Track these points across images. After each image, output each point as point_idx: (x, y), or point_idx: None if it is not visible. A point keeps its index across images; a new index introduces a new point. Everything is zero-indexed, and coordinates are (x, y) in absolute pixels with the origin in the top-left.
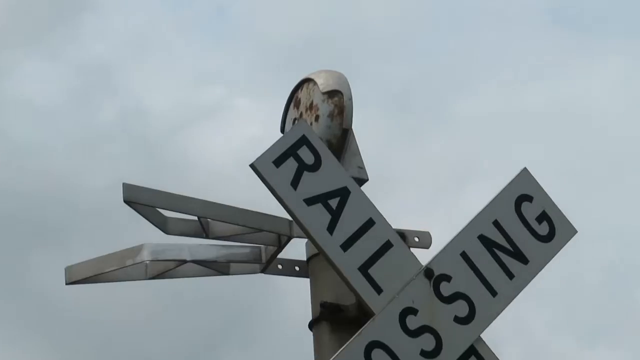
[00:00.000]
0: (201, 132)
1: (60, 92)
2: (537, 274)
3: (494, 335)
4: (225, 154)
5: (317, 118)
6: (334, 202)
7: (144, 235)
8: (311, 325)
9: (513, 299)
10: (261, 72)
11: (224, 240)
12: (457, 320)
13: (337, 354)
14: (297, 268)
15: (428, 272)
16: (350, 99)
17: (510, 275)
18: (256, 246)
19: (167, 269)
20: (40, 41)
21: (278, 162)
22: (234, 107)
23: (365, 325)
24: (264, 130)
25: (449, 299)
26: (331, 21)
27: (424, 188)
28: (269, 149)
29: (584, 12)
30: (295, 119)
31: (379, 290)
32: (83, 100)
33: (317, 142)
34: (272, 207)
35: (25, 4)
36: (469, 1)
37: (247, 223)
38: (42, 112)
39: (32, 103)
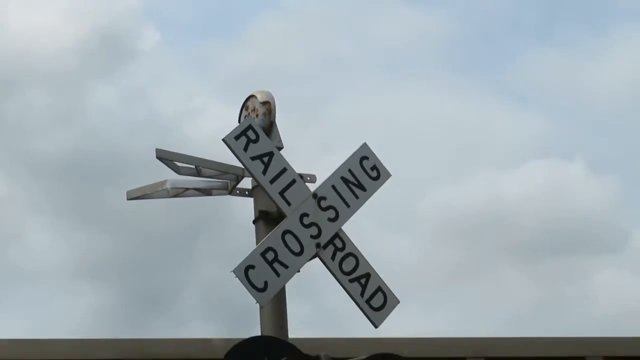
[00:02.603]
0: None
1: None
2: (369, 197)
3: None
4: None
5: (257, 115)
6: (265, 158)
7: (167, 174)
8: (254, 223)
9: (357, 209)
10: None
11: (209, 178)
12: (329, 219)
13: (266, 237)
14: (246, 192)
15: (314, 195)
16: (274, 106)
17: (356, 197)
18: (225, 181)
19: (178, 193)
20: None
21: (237, 137)
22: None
23: (281, 222)
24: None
25: (324, 209)
26: None
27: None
28: (232, 130)
29: None
30: (245, 116)
31: (289, 203)
32: None
33: (257, 128)
34: (234, 160)
35: None
36: None
37: (220, 169)
38: None
39: None
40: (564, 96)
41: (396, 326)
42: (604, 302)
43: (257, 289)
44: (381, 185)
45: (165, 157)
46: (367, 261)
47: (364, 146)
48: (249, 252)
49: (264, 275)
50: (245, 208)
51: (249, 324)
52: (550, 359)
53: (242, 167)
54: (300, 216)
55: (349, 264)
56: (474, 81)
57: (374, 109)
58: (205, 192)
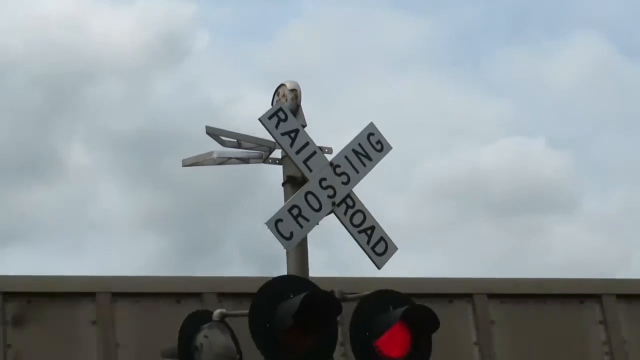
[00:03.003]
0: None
1: None
2: (375, 165)
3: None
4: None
5: (286, 100)
6: (292, 134)
7: (214, 147)
8: (283, 185)
9: (364, 176)
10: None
11: (247, 149)
12: (342, 183)
13: (292, 197)
14: (277, 161)
15: (330, 163)
16: (300, 92)
17: (364, 165)
18: (260, 152)
19: (223, 161)
20: None
21: (270, 117)
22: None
23: (304, 185)
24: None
25: (338, 174)
26: None
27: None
28: (266, 112)
29: None
30: (277, 100)
31: (310, 170)
32: None
33: (286, 110)
34: (267, 135)
35: None
36: None
37: (256, 142)
38: None
39: None
40: (530, 86)
41: (395, 268)
42: (559, 252)
43: (285, 238)
44: (384, 156)
45: (213, 133)
46: (372, 216)
47: (371, 125)
48: (278, 209)
49: (290, 227)
50: (275, 174)
51: (278, 266)
52: (541, 296)
53: (274, 141)
54: (319, 180)
55: (357, 219)
56: (458, 74)
57: (379, 96)
58: (244, 160)
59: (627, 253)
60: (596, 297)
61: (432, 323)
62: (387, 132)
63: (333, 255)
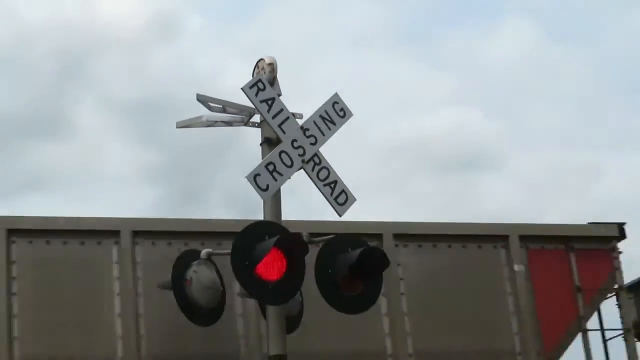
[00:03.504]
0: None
1: None
2: (338, 129)
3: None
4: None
5: (265, 72)
6: (269, 101)
7: (203, 111)
8: (261, 145)
9: (329, 138)
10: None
11: (231, 114)
12: (311, 144)
13: (268, 155)
14: (256, 124)
15: (301, 127)
16: (276, 66)
17: (329, 129)
18: (242, 116)
19: (210, 124)
20: None
21: (251, 87)
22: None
23: (278, 145)
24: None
25: (308, 137)
26: None
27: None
28: (247, 82)
29: None
30: (257, 72)
31: (284, 132)
32: None
33: (264, 81)
34: (248, 102)
35: None
36: None
37: (239, 108)
38: None
39: None
40: (470, 63)
41: (356, 215)
42: (490, 204)
43: (262, 190)
44: (346, 121)
45: (202, 100)
46: (335, 172)
47: (335, 94)
48: (257, 165)
49: (267, 180)
50: (254, 135)
51: (256, 212)
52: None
53: (254, 107)
54: (291, 141)
55: (323, 174)
56: (409, 52)
57: (343, 70)
58: (229, 124)
59: (546, 204)
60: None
61: (383, 263)
62: (348, 101)
63: (302, 204)
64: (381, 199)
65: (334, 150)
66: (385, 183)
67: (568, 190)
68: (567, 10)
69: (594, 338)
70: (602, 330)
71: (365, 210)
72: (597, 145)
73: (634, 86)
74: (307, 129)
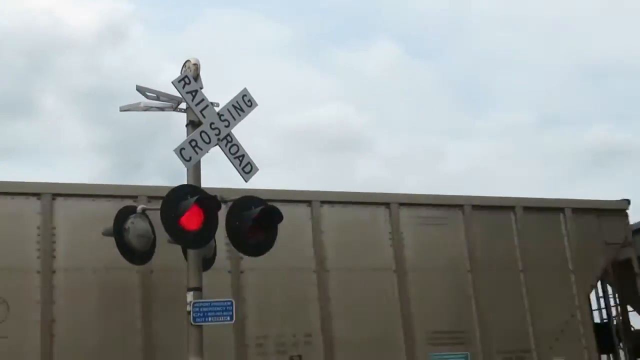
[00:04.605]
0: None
1: None
2: (246, 115)
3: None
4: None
5: (190, 70)
6: (194, 92)
7: (142, 99)
8: (186, 126)
9: (239, 122)
10: None
11: (164, 102)
12: (225, 126)
13: (191, 134)
14: (183, 110)
15: (218, 113)
16: (199, 65)
17: (239, 115)
18: (172, 103)
19: (147, 109)
20: None
21: (179, 81)
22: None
23: (199, 126)
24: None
25: (222, 120)
26: None
27: None
28: (177, 77)
29: None
30: (184, 70)
31: (204, 117)
32: None
33: (190, 77)
34: (177, 93)
35: None
36: None
37: (169, 97)
38: None
39: None
40: (349, 72)
41: (258, 182)
42: (362, 176)
43: (186, 160)
44: (252, 110)
45: (141, 90)
46: (243, 147)
47: (244, 89)
48: (182, 141)
49: (190, 153)
50: (182, 118)
51: (181, 178)
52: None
53: (181, 97)
54: (210, 124)
55: (233, 149)
56: (305, 61)
57: (252, 73)
58: (161, 109)
59: (403, 176)
60: (386, 204)
61: (278, 217)
62: (257, 96)
63: (217, 172)
64: (282, 172)
65: (243, 133)
66: (284, 160)
67: (419, 166)
68: (422, 33)
69: None
70: None
71: (274, 180)
72: (439, 133)
73: (465, 88)
74: (222, 115)
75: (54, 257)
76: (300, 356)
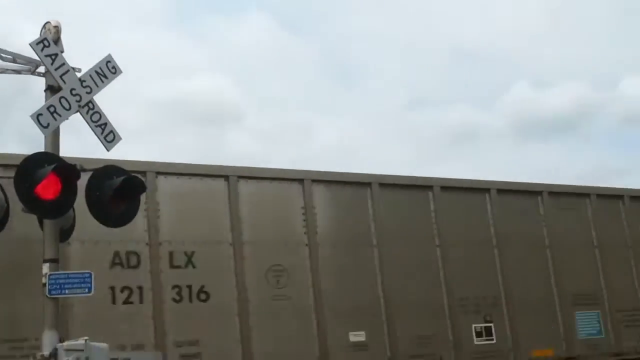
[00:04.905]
0: None
1: None
2: (110, 82)
3: (97, 97)
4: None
5: (50, 33)
6: (53, 56)
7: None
8: (45, 91)
9: (102, 89)
10: None
11: (21, 65)
12: (87, 92)
13: (50, 99)
14: (42, 74)
15: (79, 79)
16: (60, 28)
17: (102, 81)
18: (30, 67)
19: (3, 71)
20: None
21: (38, 43)
22: None
23: (59, 92)
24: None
25: (84, 87)
26: None
27: None
28: (35, 39)
29: None
30: (44, 32)
31: (64, 82)
32: None
33: (49, 39)
34: (35, 55)
35: None
36: None
37: (27, 60)
38: None
39: None
40: (224, 43)
41: (125, 152)
42: (234, 148)
43: (44, 127)
44: (116, 77)
45: None
46: (106, 115)
47: (109, 55)
48: (40, 106)
49: (48, 119)
50: (40, 83)
51: (39, 146)
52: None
53: (40, 60)
54: (70, 90)
55: (95, 117)
56: (178, 31)
57: (124, 40)
58: (18, 72)
59: (275, 150)
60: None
61: (141, 188)
62: (125, 64)
63: (80, 142)
64: (150, 143)
65: (107, 100)
66: (150, 130)
67: (290, 140)
68: (296, 7)
69: None
70: None
71: (144, 151)
72: (309, 109)
73: (339, 66)
74: (84, 81)
75: None
76: None
